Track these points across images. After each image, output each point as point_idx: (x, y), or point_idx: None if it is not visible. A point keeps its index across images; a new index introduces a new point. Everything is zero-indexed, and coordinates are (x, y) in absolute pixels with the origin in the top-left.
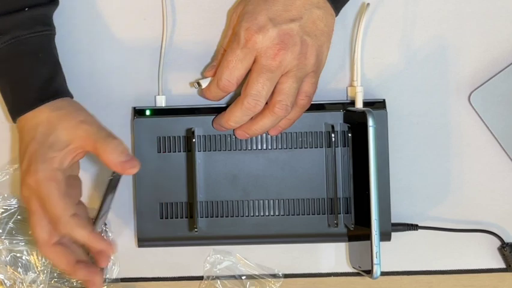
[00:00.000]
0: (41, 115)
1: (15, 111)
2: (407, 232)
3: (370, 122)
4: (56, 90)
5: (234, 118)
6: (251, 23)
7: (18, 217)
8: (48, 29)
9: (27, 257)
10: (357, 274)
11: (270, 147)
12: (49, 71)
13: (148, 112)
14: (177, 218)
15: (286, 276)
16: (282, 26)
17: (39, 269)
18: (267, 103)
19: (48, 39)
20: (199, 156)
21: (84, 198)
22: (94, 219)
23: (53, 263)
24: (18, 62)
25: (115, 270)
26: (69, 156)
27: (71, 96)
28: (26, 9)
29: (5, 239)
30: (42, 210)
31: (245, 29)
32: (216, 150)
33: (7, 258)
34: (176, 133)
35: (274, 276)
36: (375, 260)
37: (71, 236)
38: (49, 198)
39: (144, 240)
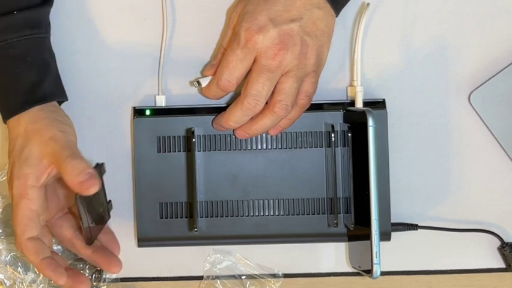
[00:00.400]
0: (20, 127)
1: (4, 114)
2: (407, 232)
3: (370, 122)
4: (43, 94)
5: (234, 118)
6: (251, 23)
7: None
8: (37, 32)
9: None
10: (357, 274)
11: (270, 147)
12: (37, 74)
13: (148, 112)
14: (177, 218)
15: (286, 276)
16: (282, 26)
17: None
18: (267, 103)
19: (37, 43)
20: (199, 156)
21: None
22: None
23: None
24: (5, 65)
25: None
26: (44, 172)
27: (65, 98)
28: (15, 12)
29: (5, 238)
30: None
31: (245, 29)
32: (215, 150)
33: (7, 258)
34: (176, 133)
35: (274, 276)
36: (375, 260)
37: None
38: (15, 214)
39: (144, 240)
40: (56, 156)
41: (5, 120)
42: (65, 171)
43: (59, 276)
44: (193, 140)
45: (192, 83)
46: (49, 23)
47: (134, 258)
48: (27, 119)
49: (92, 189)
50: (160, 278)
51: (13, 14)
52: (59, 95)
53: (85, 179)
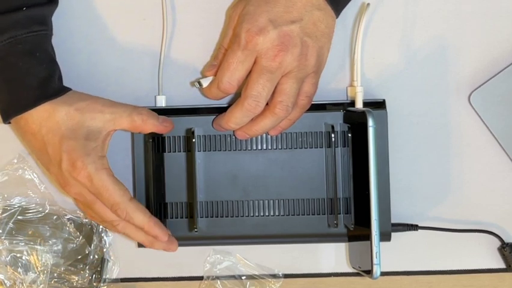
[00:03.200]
0: (58, 113)
1: (12, 110)
2: (407, 232)
3: (370, 122)
4: (57, 88)
5: (235, 119)
6: (252, 25)
7: (19, 217)
8: (45, 28)
9: (27, 257)
10: (357, 274)
11: (270, 147)
12: (47, 69)
13: None
14: (177, 218)
15: (286, 276)
16: (282, 27)
17: (39, 269)
18: (267, 104)
19: (45, 39)
20: (199, 156)
21: None
22: None
23: (133, 236)
24: (15, 61)
25: (115, 270)
26: (105, 141)
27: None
28: (24, 8)
29: (5, 239)
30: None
31: (246, 31)
32: (216, 150)
33: (7, 258)
34: (176, 133)
35: (274, 276)
36: (375, 260)
37: (130, 221)
38: (104, 187)
39: None
40: (124, 114)
41: (15, 114)
42: (142, 120)
43: (165, 233)
44: (193, 140)
45: (193, 84)
46: (52, 23)
47: (134, 258)
48: (64, 104)
49: (171, 126)
50: (160, 278)
51: (22, 11)
52: (67, 89)
53: (163, 119)
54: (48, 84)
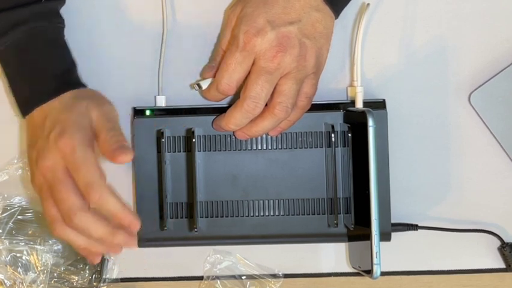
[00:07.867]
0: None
1: (35, 101)
2: (407, 232)
3: (370, 122)
4: (77, 78)
5: (234, 121)
6: (250, 26)
7: (19, 217)
8: (62, 21)
9: (27, 257)
10: (357, 274)
11: (270, 147)
12: (68, 60)
13: (148, 112)
14: (177, 218)
15: (286, 276)
16: (280, 28)
17: (39, 269)
18: (266, 105)
19: (62, 31)
20: (199, 156)
21: None
22: None
23: (92, 228)
24: (37, 52)
25: (115, 270)
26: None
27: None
28: (43, 0)
29: (5, 239)
30: (71, 178)
31: (244, 32)
32: (216, 150)
33: (7, 258)
34: (176, 133)
35: (274, 276)
36: (375, 260)
37: (102, 205)
38: (85, 163)
39: (144, 240)
40: (100, 123)
41: (38, 104)
42: (100, 137)
43: (138, 221)
44: (193, 140)
45: (192, 86)
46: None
47: (134, 258)
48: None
49: (122, 158)
50: (160, 278)
51: (42, 3)
52: (84, 85)
53: (117, 146)
54: (70, 74)
